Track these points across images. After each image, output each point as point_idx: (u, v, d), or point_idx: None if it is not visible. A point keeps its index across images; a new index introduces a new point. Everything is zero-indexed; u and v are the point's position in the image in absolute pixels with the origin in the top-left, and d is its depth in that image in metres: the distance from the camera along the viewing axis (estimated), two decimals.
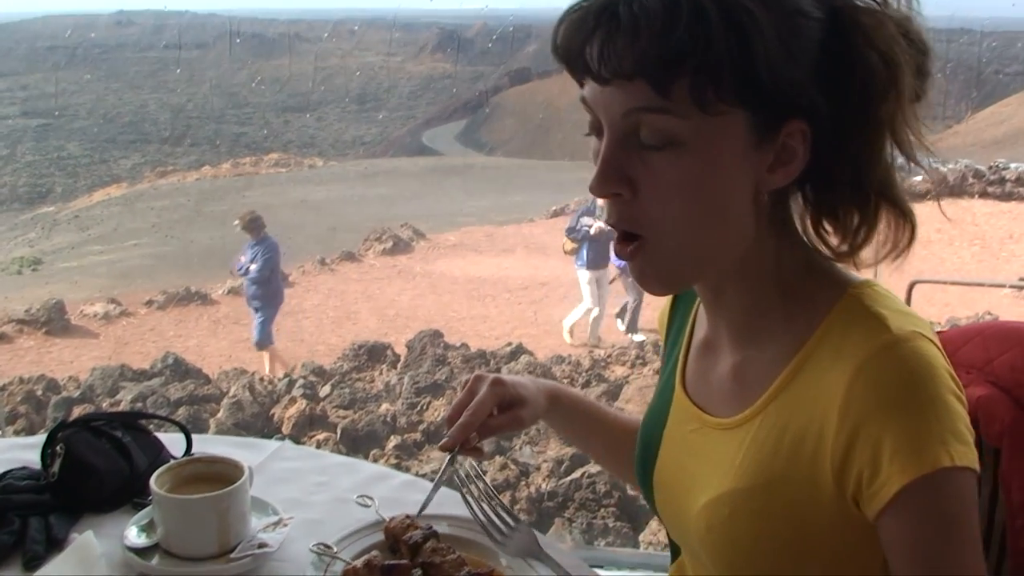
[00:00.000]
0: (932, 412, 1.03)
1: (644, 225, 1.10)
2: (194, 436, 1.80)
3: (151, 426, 1.82)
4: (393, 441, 8.31)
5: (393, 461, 7.73)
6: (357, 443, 8.36)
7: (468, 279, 17.71)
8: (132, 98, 40.12)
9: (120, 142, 36.15)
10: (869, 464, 1.04)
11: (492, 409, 1.45)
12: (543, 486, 7.13)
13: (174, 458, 1.66)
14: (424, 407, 8.88)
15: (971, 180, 17.16)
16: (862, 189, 1.12)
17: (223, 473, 1.49)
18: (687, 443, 1.27)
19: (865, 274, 1.19)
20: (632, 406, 8.76)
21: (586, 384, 9.52)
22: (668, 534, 1.37)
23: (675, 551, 1.41)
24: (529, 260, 19.14)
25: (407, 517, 1.47)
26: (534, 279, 17.59)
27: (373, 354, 10.62)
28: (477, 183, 29.17)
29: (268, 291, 11.31)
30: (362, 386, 9.83)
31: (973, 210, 16.28)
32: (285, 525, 1.51)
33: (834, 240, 1.16)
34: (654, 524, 6.24)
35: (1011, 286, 12.94)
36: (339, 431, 8.62)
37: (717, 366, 1.27)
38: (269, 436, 8.45)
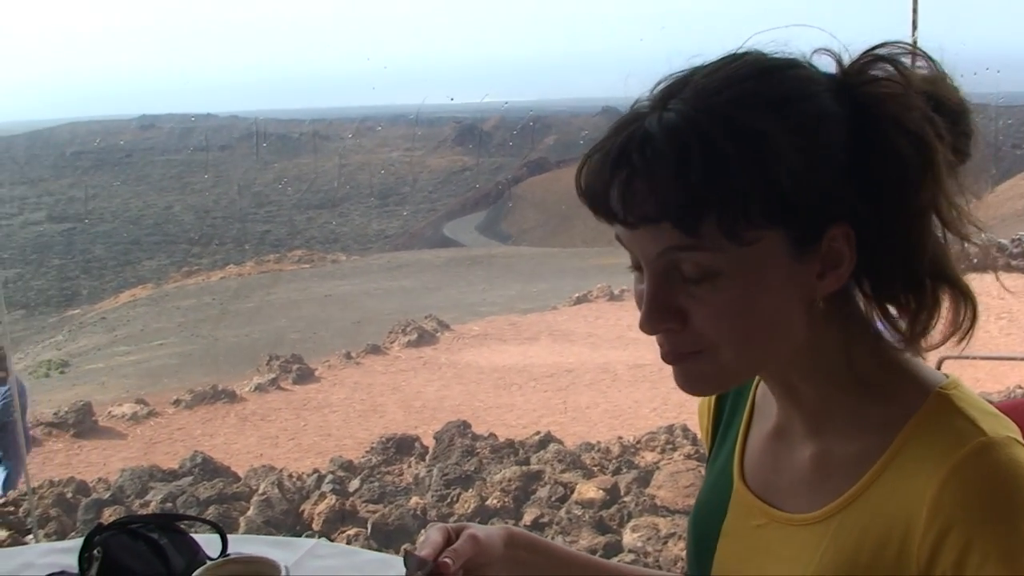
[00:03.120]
0: None
1: (700, 346, 1.10)
2: (229, 536, 1.80)
3: (186, 527, 1.82)
4: (424, 535, 8.20)
5: None
6: (388, 537, 8.27)
7: (493, 368, 17.70)
8: (157, 200, 40.68)
9: (145, 244, 36.57)
10: (953, 566, 1.02)
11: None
12: None
13: (210, 559, 1.66)
14: (454, 499, 8.82)
15: (995, 254, 17.13)
16: (916, 276, 1.11)
17: (260, 573, 1.49)
18: (752, 539, 1.24)
19: (930, 357, 1.17)
20: (664, 492, 8.66)
21: (616, 471, 9.43)
22: None
23: None
24: (554, 347, 19.15)
25: None
26: (559, 366, 17.58)
27: (401, 447, 10.59)
28: (499, 273, 29.27)
29: (6, 440, 9.04)
30: (391, 479, 9.79)
31: (998, 284, 16.22)
32: None
33: (903, 324, 1.14)
34: None
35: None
36: (370, 526, 8.53)
37: (791, 456, 1.23)
38: (299, 533, 8.40)
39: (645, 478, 9.10)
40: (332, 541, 8.19)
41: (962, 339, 1.13)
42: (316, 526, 8.65)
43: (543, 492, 8.88)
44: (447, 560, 1.41)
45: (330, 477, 9.56)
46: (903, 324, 1.14)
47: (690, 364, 1.11)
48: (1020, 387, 10.64)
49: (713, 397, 1.42)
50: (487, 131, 47.40)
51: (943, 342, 1.14)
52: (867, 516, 1.11)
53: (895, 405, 1.13)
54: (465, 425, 10.51)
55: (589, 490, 8.77)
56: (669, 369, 1.13)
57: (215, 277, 29.65)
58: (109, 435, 13.77)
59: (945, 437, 1.07)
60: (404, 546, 1.55)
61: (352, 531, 8.47)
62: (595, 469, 9.57)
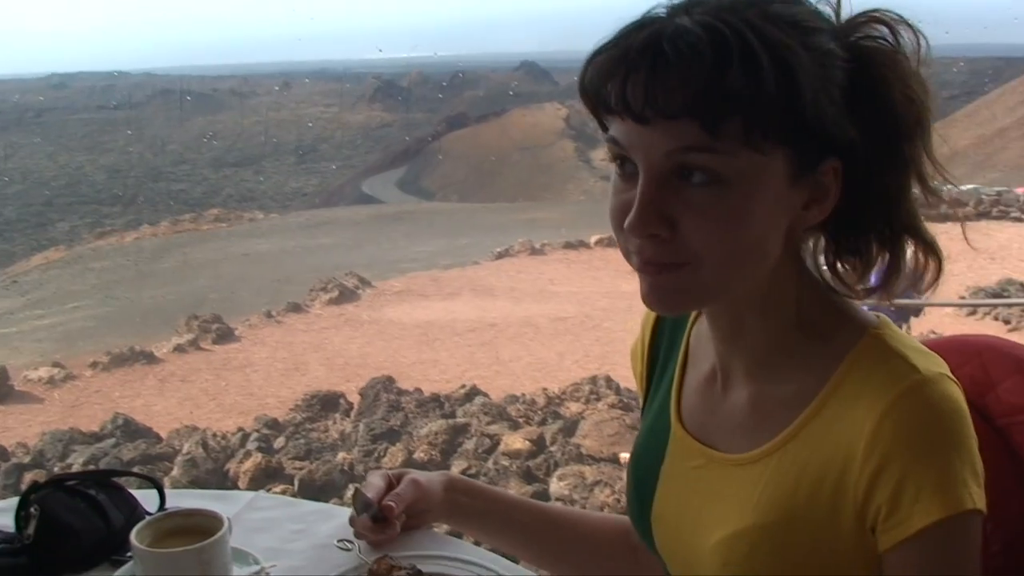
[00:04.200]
0: (957, 454, 1.05)
1: (684, 257, 1.08)
2: (166, 491, 1.78)
3: (122, 482, 1.80)
4: (351, 490, 8.19)
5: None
6: (315, 494, 8.24)
7: (416, 324, 17.67)
8: (69, 161, 39.76)
9: (58, 205, 35.75)
10: (889, 500, 1.06)
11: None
12: None
13: (149, 513, 1.63)
14: (381, 454, 8.83)
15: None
16: (891, 227, 1.14)
17: (202, 525, 1.47)
18: (691, 479, 1.26)
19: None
20: (589, 441, 8.77)
21: (542, 422, 9.50)
22: (665, 570, 1.34)
23: None
24: (476, 302, 19.16)
25: (388, 558, 1.46)
26: (482, 320, 17.60)
27: (326, 404, 10.56)
28: (420, 229, 29.18)
29: None
30: (317, 436, 9.76)
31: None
32: (268, 574, 1.50)
33: (851, 278, 1.17)
34: None
35: (950, 305, 13.16)
36: (297, 483, 8.55)
37: (729, 398, 1.25)
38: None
39: (570, 428, 9.20)
40: None
41: (927, 290, 1.16)
42: (242, 484, 8.61)
43: (470, 444, 8.93)
44: (391, 503, 1.46)
45: (255, 435, 9.53)
46: (850, 279, 1.17)
47: (666, 277, 1.10)
48: (933, 332, 10.92)
49: (646, 344, 1.42)
50: (407, 87, 47.05)
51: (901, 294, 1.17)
52: (805, 454, 1.13)
53: (831, 345, 1.15)
54: (390, 380, 10.50)
55: (516, 441, 8.85)
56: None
57: (129, 238, 29.16)
58: (26, 400, 13.54)
59: (880, 375, 1.09)
60: (355, 485, 1.58)
61: (279, 488, 8.45)
62: (521, 421, 9.64)
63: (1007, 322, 14.35)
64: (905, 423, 1.05)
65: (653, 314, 1.38)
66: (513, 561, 1.54)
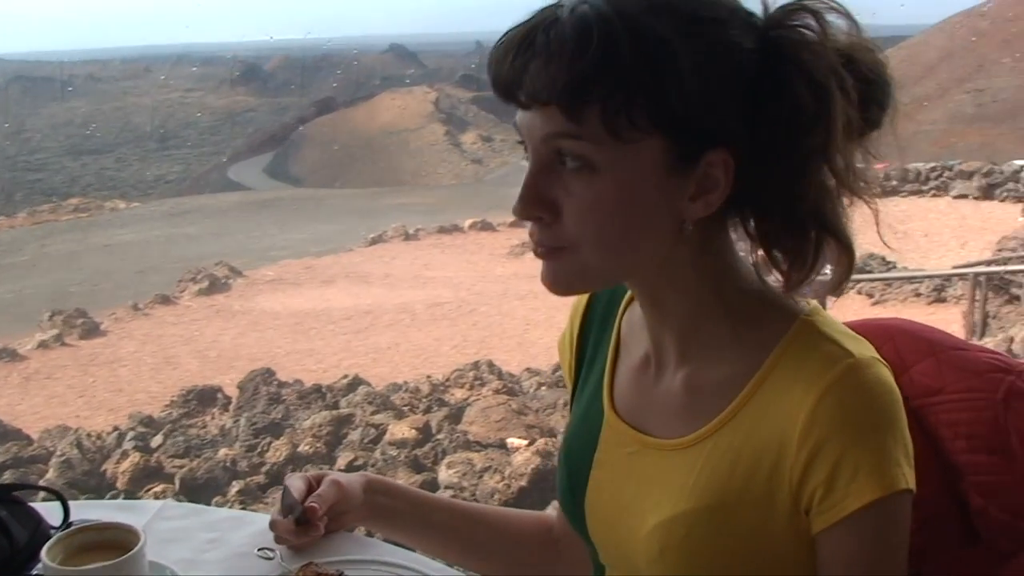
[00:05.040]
0: (891, 435, 1.08)
1: (563, 241, 1.11)
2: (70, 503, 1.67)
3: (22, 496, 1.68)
4: (236, 487, 8.15)
5: (239, 507, 7.51)
6: (198, 492, 8.14)
7: (290, 314, 17.65)
8: None
9: None
10: (825, 482, 1.07)
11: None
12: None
13: (54, 528, 1.53)
14: (264, 448, 8.72)
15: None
16: (796, 218, 1.12)
17: (117, 539, 1.38)
18: (626, 466, 1.26)
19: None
20: (476, 427, 8.82)
21: (427, 410, 9.51)
22: (596, 557, 1.34)
23: (599, 571, 1.36)
24: (351, 289, 19.24)
25: (314, 564, 1.41)
26: (358, 308, 17.65)
27: (203, 398, 10.41)
28: (289, 216, 29.13)
29: None
30: (196, 432, 9.62)
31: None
32: None
33: (778, 267, 1.16)
34: None
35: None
36: (178, 481, 8.39)
37: (662, 384, 1.25)
38: (104, 493, 8.17)
39: (456, 415, 9.26)
40: (138, 498, 8.02)
41: (835, 289, 1.18)
42: (121, 484, 8.46)
43: (355, 435, 8.90)
44: (314, 504, 1.43)
45: (131, 434, 9.34)
46: (784, 267, 1.16)
47: (553, 260, 1.13)
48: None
49: (576, 331, 1.42)
50: (270, 71, 46.48)
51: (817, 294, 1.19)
52: (739, 438, 1.14)
53: (762, 331, 1.17)
54: (270, 373, 10.39)
55: (401, 430, 8.83)
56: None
57: None
58: None
59: (815, 360, 1.11)
60: (285, 479, 1.56)
61: (159, 487, 8.32)
62: (406, 409, 9.65)
63: (870, 295, 14.86)
64: (840, 406, 1.07)
65: (582, 305, 1.40)
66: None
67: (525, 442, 8.42)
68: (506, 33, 1.09)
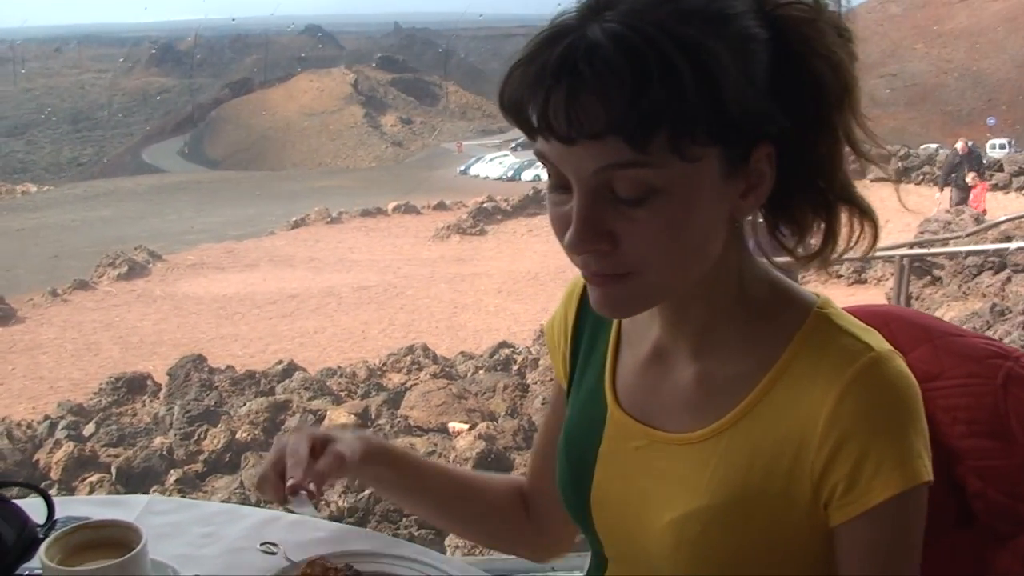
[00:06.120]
0: (913, 428, 1.09)
1: (628, 268, 1.08)
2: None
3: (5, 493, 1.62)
4: (173, 475, 8.04)
5: (177, 496, 7.41)
6: (135, 481, 8.02)
7: (213, 298, 17.48)
8: None
9: None
10: (848, 476, 1.09)
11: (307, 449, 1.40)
12: (340, 503, 7.01)
13: (39, 526, 1.48)
14: (201, 436, 8.59)
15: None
16: (826, 197, 1.14)
17: (114, 538, 1.36)
18: (633, 460, 1.25)
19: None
20: (417, 412, 8.80)
21: (365, 395, 9.46)
22: (597, 548, 1.33)
23: (600, 564, 1.36)
24: (275, 273, 19.13)
25: (323, 559, 1.40)
26: (282, 292, 17.55)
27: (132, 386, 10.22)
28: (207, 199, 28.88)
29: None
30: (128, 421, 9.47)
31: None
32: None
33: (789, 243, 1.18)
34: None
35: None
36: (114, 471, 8.23)
37: (672, 378, 1.24)
38: (39, 484, 7.96)
39: (395, 400, 9.21)
40: (75, 489, 7.92)
41: (865, 254, 1.18)
42: (55, 475, 8.31)
43: (293, 422, 8.82)
44: (311, 489, 1.37)
45: (63, 423, 9.17)
46: (790, 243, 1.17)
47: (614, 287, 1.10)
48: None
49: (570, 321, 1.41)
50: (184, 51, 45.72)
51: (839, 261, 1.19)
52: (757, 434, 1.14)
53: (776, 323, 1.17)
54: (200, 359, 10.23)
55: (340, 415, 8.77)
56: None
57: None
58: None
59: (833, 354, 1.12)
60: (289, 433, 1.53)
61: (95, 477, 8.19)
62: (343, 395, 9.60)
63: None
64: (864, 401, 1.08)
65: (576, 292, 1.38)
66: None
67: (466, 426, 8.42)
68: (523, 59, 1.03)
